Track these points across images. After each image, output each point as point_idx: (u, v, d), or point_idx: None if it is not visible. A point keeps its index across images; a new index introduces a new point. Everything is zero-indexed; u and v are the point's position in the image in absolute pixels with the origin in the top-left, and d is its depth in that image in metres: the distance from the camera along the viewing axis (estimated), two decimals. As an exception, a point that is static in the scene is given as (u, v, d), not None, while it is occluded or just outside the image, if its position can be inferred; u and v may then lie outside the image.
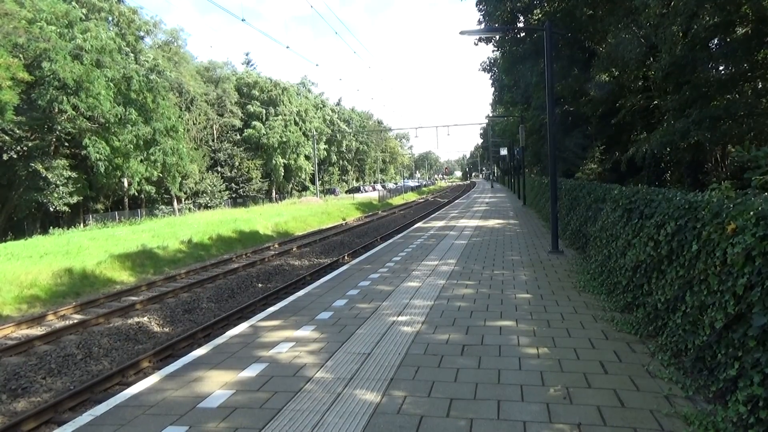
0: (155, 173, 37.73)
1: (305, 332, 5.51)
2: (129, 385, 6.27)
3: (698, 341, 3.85)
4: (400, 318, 5.92)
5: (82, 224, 33.08)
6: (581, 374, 4.10)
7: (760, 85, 13.73)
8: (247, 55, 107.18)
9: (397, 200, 52.76)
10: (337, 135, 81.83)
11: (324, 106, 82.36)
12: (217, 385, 4.17)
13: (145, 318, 9.96)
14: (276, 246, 19.89)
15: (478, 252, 10.73)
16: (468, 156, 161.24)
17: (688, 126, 11.87)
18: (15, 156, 29.22)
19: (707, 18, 11.93)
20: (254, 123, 59.44)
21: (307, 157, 67.44)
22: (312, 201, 46.32)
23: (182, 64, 49.29)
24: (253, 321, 6.11)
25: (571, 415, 3.43)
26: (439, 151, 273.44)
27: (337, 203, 41.44)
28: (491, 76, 32.79)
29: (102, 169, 32.46)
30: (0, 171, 29.63)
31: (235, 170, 55.04)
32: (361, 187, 74.20)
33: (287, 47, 23.25)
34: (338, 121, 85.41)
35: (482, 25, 20.48)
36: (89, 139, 31.91)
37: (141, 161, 36.15)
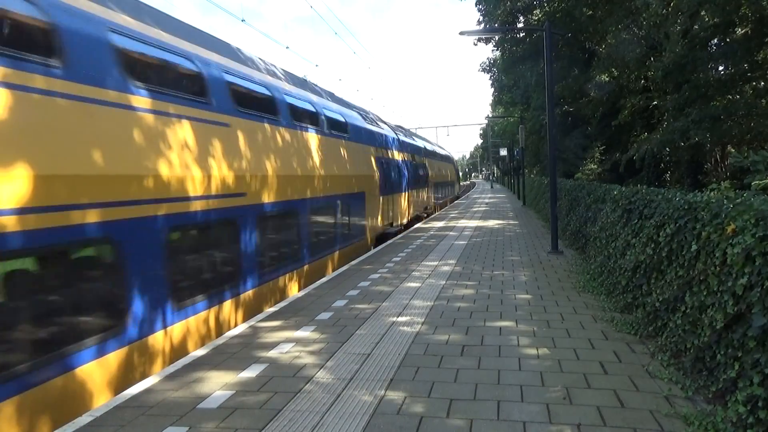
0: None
1: (305, 333, 5.51)
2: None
3: (698, 341, 3.85)
4: (400, 318, 5.92)
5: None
6: (581, 375, 4.10)
7: (761, 85, 13.73)
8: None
9: (397, 200, 52.66)
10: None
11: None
12: (217, 386, 4.17)
13: (145, 318, 9.94)
14: (276, 246, 19.83)
15: (478, 252, 10.74)
16: (468, 156, 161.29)
17: (687, 126, 11.88)
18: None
19: (707, 18, 11.94)
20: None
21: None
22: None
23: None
24: (252, 321, 6.11)
25: (571, 416, 3.43)
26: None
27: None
28: (491, 77, 32.85)
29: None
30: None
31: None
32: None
33: (287, 47, 23.27)
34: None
35: (482, 26, 20.48)
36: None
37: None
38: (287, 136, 8.43)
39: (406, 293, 7.18)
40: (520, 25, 19.23)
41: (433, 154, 27.65)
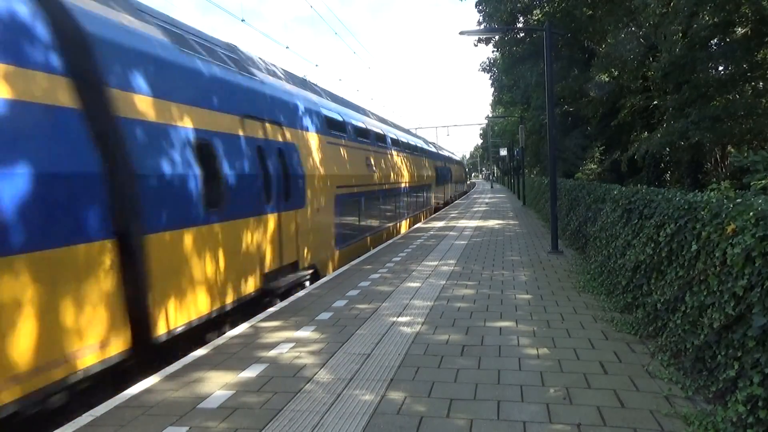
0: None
1: (305, 333, 5.52)
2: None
3: (698, 342, 3.85)
4: (400, 318, 5.92)
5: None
6: (581, 374, 4.10)
7: (761, 85, 13.72)
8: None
9: (397, 200, 52.62)
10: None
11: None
12: (218, 386, 4.17)
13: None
14: (276, 246, 19.85)
15: (478, 252, 10.74)
16: (468, 156, 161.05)
17: (687, 126, 11.87)
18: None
19: (707, 18, 11.92)
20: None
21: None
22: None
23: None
24: (253, 321, 6.11)
25: (571, 416, 3.43)
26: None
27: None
28: (491, 77, 32.83)
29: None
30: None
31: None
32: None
33: (287, 47, 23.26)
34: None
35: (482, 26, 20.47)
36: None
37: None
38: (420, 159, 21.57)
39: (406, 293, 7.18)
40: (520, 25, 19.24)
41: (453, 161, 41.56)
